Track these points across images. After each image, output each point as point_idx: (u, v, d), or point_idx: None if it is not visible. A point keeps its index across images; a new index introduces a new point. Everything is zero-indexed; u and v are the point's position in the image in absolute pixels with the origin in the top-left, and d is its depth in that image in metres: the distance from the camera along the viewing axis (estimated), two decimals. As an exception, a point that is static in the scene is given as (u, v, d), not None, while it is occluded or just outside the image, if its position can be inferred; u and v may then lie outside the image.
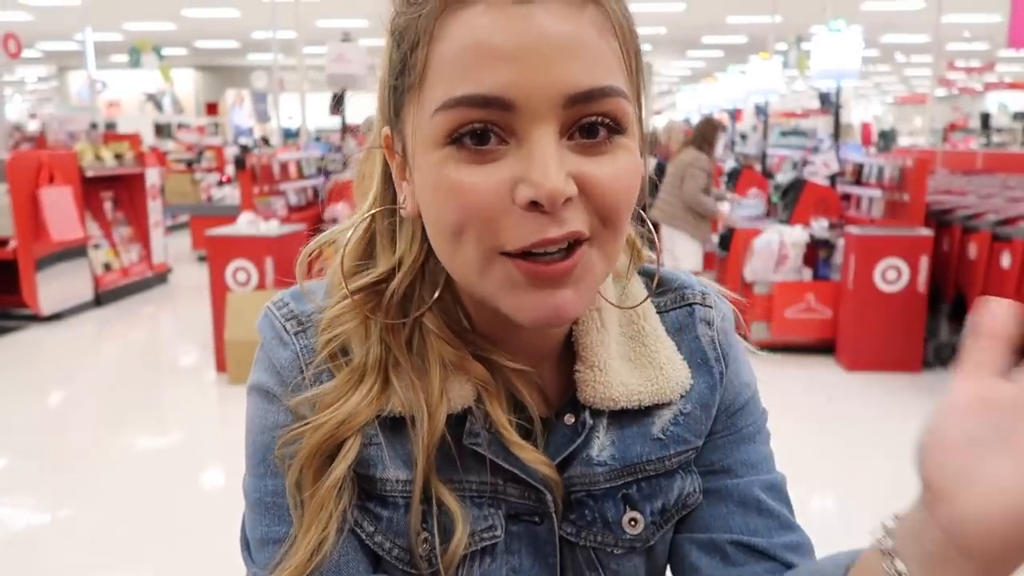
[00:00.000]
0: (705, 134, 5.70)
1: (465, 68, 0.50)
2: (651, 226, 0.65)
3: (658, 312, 0.67)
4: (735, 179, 7.79)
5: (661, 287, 0.69)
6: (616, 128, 0.52)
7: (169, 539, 3.03)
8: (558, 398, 0.64)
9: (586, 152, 0.51)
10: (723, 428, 0.67)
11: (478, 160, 0.51)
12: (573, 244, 0.52)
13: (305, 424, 0.58)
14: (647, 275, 0.69)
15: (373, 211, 0.62)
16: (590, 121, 0.51)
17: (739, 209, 6.33)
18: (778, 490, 0.67)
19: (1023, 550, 0.41)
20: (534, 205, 0.50)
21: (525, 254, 0.51)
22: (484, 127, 0.50)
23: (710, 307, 0.68)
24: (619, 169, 0.52)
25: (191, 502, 3.38)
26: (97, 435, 4.30)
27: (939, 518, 0.43)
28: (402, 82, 0.55)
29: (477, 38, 0.49)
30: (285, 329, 0.62)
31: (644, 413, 0.64)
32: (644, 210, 0.63)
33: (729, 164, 8.77)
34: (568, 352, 0.64)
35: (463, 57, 0.50)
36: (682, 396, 0.64)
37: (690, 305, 0.68)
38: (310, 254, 0.65)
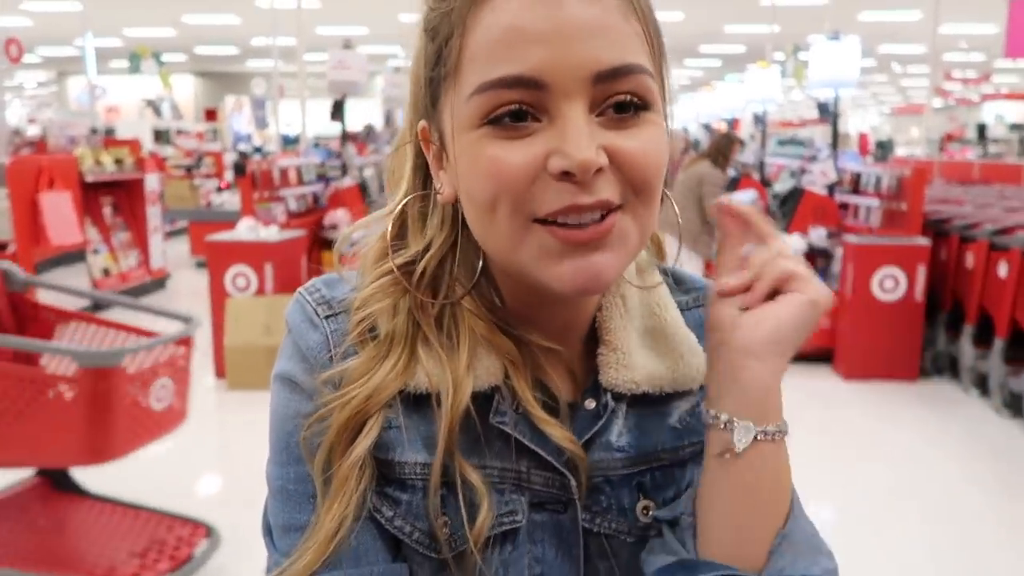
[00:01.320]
0: (722, 148, 5.68)
1: (498, 52, 0.53)
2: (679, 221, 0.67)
3: (680, 310, 0.69)
4: (734, 188, 7.81)
5: (683, 287, 0.72)
6: (642, 104, 0.55)
7: (167, 545, 3.02)
8: (581, 383, 0.65)
9: (615, 126, 0.54)
10: None
11: (513, 136, 0.54)
12: (607, 213, 0.54)
13: (334, 400, 0.59)
14: (668, 274, 0.72)
15: (406, 199, 0.65)
16: (618, 100, 0.54)
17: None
18: None
19: (777, 347, 0.56)
20: (566, 175, 0.53)
21: (558, 222, 0.54)
22: (519, 107, 0.53)
23: None
24: (647, 141, 0.55)
25: (189, 507, 3.38)
26: (95, 440, 4.29)
27: (731, 342, 0.57)
28: (438, 73, 0.58)
29: (508, 23, 0.53)
30: (316, 313, 0.63)
31: (663, 402, 0.65)
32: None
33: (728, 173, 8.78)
34: (592, 340, 0.66)
35: (496, 42, 0.53)
36: (702, 387, 0.66)
37: None
38: (347, 239, 0.68)
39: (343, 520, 0.58)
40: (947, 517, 3.32)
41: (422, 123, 0.62)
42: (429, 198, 0.64)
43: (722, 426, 0.57)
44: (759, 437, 0.56)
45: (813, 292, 0.56)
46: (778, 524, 0.57)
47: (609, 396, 0.64)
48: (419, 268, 0.62)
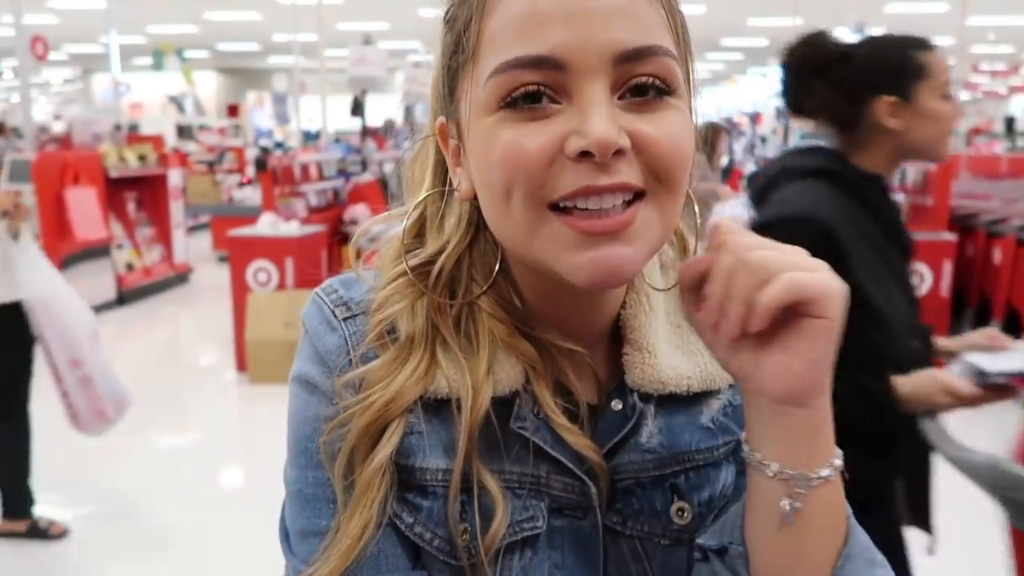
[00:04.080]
0: (708, 138, 5.62)
1: (516, 33, 0.51)
2: (697, 213, 0.64)
3: None
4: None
5: None
6: (665, 88, 0.52)
7: (189, 537, 3.05)
8: (605, 384, 0.64)
9: (637, 110, 0.52)
10: None
11: (531, 118, 0.52)
12: (631, 200, 0.52)
13: (355, 405, 0.58)
14: None
15: (425, 196, 0.64)
16: (640, 82, 0.52)
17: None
18: None
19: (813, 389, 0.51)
20: (584, 156, 0.50)
21: (577, 207, 0.51)
22: (537, 88, 0.51)
23: None
24: (670, 126, 0.52)
25: (211, 500, 3.41)
26: (118, 433, 4.34)
27: (768, 392, 0.52)
28: (456, 60, 0.56)
29: (527, 5, 0.51)
30: (334, 314, 0.62)
31: (692, 401, 0.63)
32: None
33: (749, 168, 8.73)
34: (615, 339, 0.64)
35: (514, 24, 0.51)
36: (731, 386, 0.64)
37: None
38: (365, 233, 0.66)
39: (366, 526, 0.57)
40: (971, 522, 3.27)
41: (440, 119, 0.61)
42: (447, 196, 0.63)
43: (771, 474, 0.53)
44: (815, 484, 0.52)
45: (834, 309, 0.49)
46: (839, 545, 0.54)
47: (636, 397, 0.62)
48: (436, 268, 0.61)
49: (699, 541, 0.59)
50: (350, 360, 0.60)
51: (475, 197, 0.58)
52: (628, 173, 0.51)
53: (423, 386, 0.58)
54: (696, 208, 0.63)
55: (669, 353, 0.62)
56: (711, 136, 5.66)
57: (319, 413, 0.60)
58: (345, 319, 0.62)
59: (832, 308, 0.49)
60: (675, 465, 0.62)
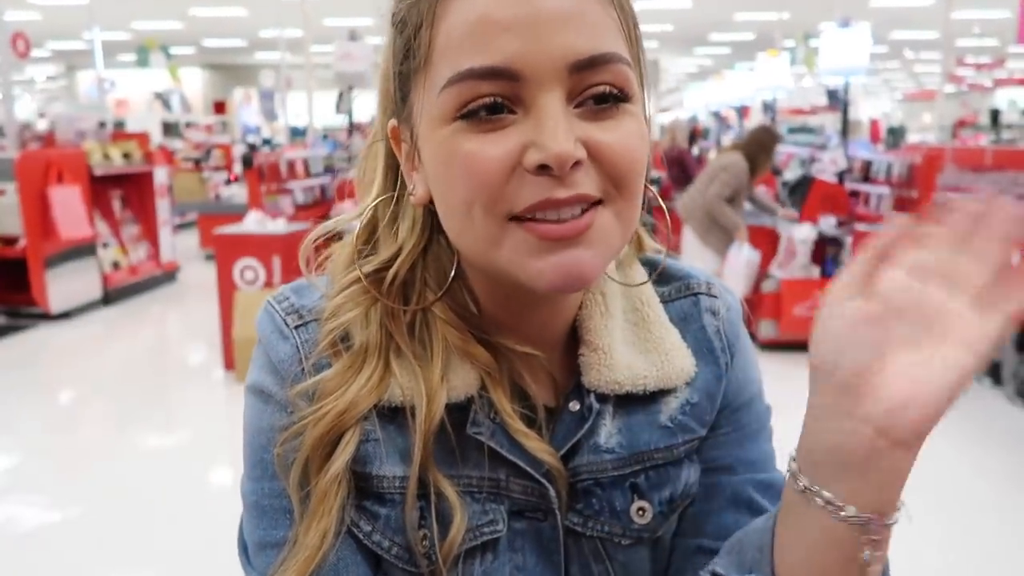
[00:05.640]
0: (765, 145, 5.01)
1: (469, 42, 0.50)
2: (666, 213, 0.65)
3: (662, 301, 0.67)
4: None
5: (664, 276, 0.68)
6: (621, 95, 0.52)
7: (177, 536, 3.04)
8: (563, 386, 0.64)
9: (593, 118, 0.52)
10: (727, 424, 0.66)
11: (487, 130, 0.51)
12: (586, 209, 0.52)
13: (308, 416, 0.57)
14: (651, 265, 0.69)
15: (376, 201, 0.63)
16: (596, 92, 0.51)
17: None
18: (776, 490, 0.65)
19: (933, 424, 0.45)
20: (543, 169, 0.50)
21: (536, 218, 0.51)
22: (494, 101, 0.51)
23: (715, 297, 0.68)
24: (626, 134, 0.52)
25: (199, 499, 3.39)
26: (106, 433, 4.32)
27: (868, 416, 0.44)
28: (407, 66, 0.55)
29: (479, 12, 0.50)
30: (285, 323, 0.61)
31: (650, 400, 0.63)
32: (659, 194, 0.63)
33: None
34: (573, 340, 0.64)
35: (467, 32, 0.51)
36: (688, 384, 0.64)
37: (695, 295, 0.68)
38: (315, 241, 0.65)
39: (324, 536, 0.56)
40: (957, 508, 3.30)
41: (392, 122, 0.59)
42: (401, 200, 0.62)
43: (842, 517, 0.47)
44: (887, 530, 0.48)
45: (985, 346, 0.43)
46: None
47: (593, 397, 0.62)
48: (390, 275, 0.60)
49: (716, 568, 0.57)
50: (303, 369, 0.59)
51: (430, 202, 0.57)
52: (585, 183, 0.51)
53: (377, 395, 0.58)
54: (662, 205, 0.63)
55: (625, 352, 0.62)
56: (768, 143, 5.00)
57: (273, 423, 0.59)
58: (297, 327, 0.61)
59: (984, 350, 0.44)
60: (635, 464, 0.62)
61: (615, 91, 0.52)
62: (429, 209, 0.59)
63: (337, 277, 0.62)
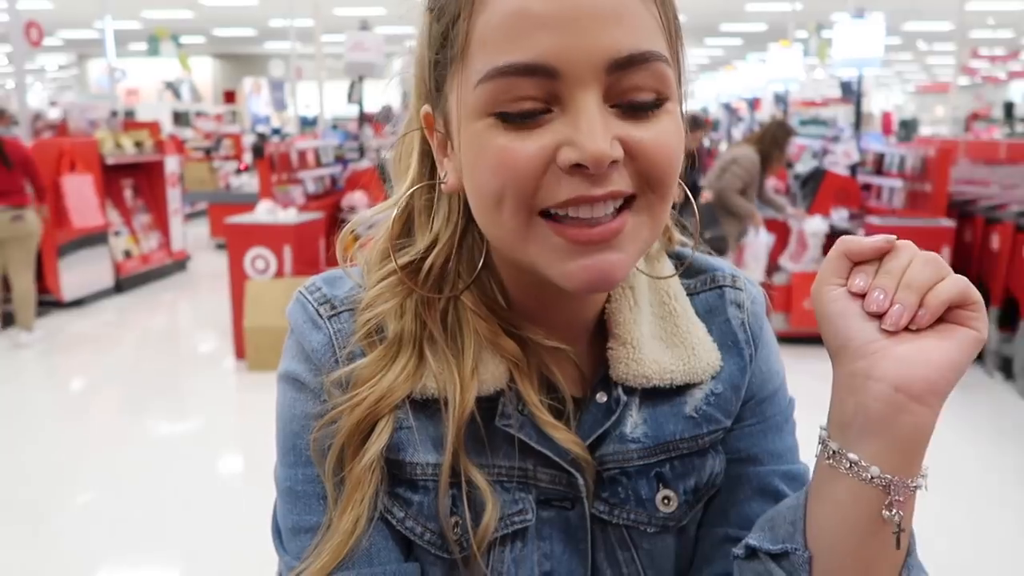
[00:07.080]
0: (779, 139, 5.05)
1: (507, 37, 0.50)
2: (695, 208, 0.64)
3: (688, 294, 0.67)
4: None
5: (690, 269, 0.69)
6: (660, 94, 0.52)
7: (188, 523, 3.06)
8: (590, 378, 0.64)
9: (631, 117, 0.51)
10: (752, 416, 0.67)
11: (523, 127, 0.51)
12: (619, 211, 0.52)
13: (344, 403, 0.58)
14: (678, 258, 0.69)
15: (412, 189, 0.62)
16: (635, 100, 0.51)
17: None
18: (800, 481, 0.67)
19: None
20: (577, 168, 0.50)
21: (569, 216, 0.51)
22: (531, 105, 0.50)
23: (740, 290, 0.68)
24: (664, 133, 0.52)
25: (210, 487, 3.42)
26: (117, 421, 4.35)
27: (885, 374, 0.49)
28: (444, 55, 0.55)
29: (518, 6, 0.49)
30: (318, 313, 0.62)
31: (676, 392, 0.64)
32: (691, 189, 0.63)
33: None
34: (600, 332, 0.64)
35: (505, 26, 0.50)
36: (713, 377, 0.64)
37: (720, 287, 0.68)
38: (352, 231, 0.66)
39: (357, 521, 0.57)
40: (967, 503, 3.29)
41: (426, 108, 0.59)
42: (435, 188, 0.62)
43: (867, 478, 0.50)
44: (912, 493, 0.50)
45: (984, 327, 0.50)
46: (904, 555, 0.53)
47: (620, 390, 0.62)
48: (426, 266, 0.60)
49: (750, 541, 0.58)
50: (336, 358, 0.60)
51: (462, 190, 0.58)
52: (619, 181, 0.51)
53: (411, 384, 0.59)
54: (694, 202, 0.63)
55: (653, 347, 0.63)
56: (782, 137, 5.01)
57: (307, 411, 0.60)
58: (329, 317, 0.62)
59: (984, 322, 0.50)
60: (660, 454, 0.63)
61: (656, 97, 0.51)
62: (461, 197, 0.59)
63: (372, 269, 0.63)
